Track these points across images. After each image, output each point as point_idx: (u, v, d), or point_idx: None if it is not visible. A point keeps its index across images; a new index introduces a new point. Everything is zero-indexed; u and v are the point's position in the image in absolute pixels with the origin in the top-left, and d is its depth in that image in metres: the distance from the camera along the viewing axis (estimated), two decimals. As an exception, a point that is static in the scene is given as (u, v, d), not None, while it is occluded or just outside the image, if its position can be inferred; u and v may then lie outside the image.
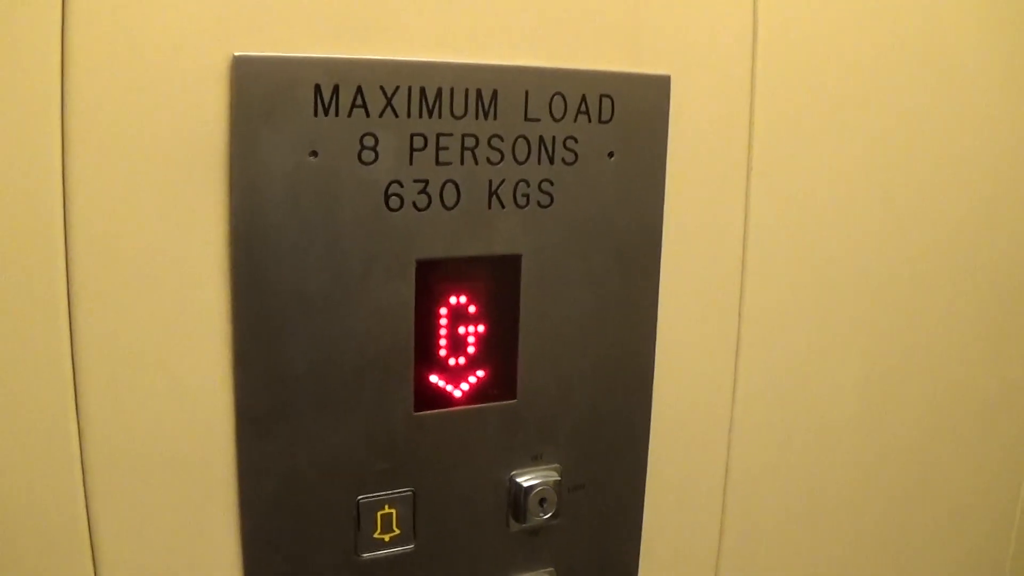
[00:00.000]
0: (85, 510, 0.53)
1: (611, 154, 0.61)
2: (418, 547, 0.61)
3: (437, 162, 0.57)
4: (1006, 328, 0.86)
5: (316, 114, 0.54)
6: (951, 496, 0.88)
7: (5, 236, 0.49)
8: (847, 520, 0.81)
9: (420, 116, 0.56)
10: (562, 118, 0.60)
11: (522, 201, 0.59)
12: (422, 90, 0.56)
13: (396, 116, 0.56)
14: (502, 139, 0.58)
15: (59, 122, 0.49)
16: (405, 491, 0.59)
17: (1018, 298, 0.85)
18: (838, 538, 0.81)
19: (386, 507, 0.59)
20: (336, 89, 0.54)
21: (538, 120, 0.59)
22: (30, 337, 0.50)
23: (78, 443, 0.52)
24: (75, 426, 0.52)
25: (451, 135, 0.57)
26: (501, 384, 0.61)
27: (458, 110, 0.57)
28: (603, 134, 0.61)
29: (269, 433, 0.56)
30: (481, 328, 0.60)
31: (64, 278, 0.50)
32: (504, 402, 0.61)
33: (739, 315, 0.69)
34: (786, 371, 0.73)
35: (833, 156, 0.71)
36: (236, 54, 0.52)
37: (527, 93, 0.59)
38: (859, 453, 0.79)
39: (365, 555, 0.59)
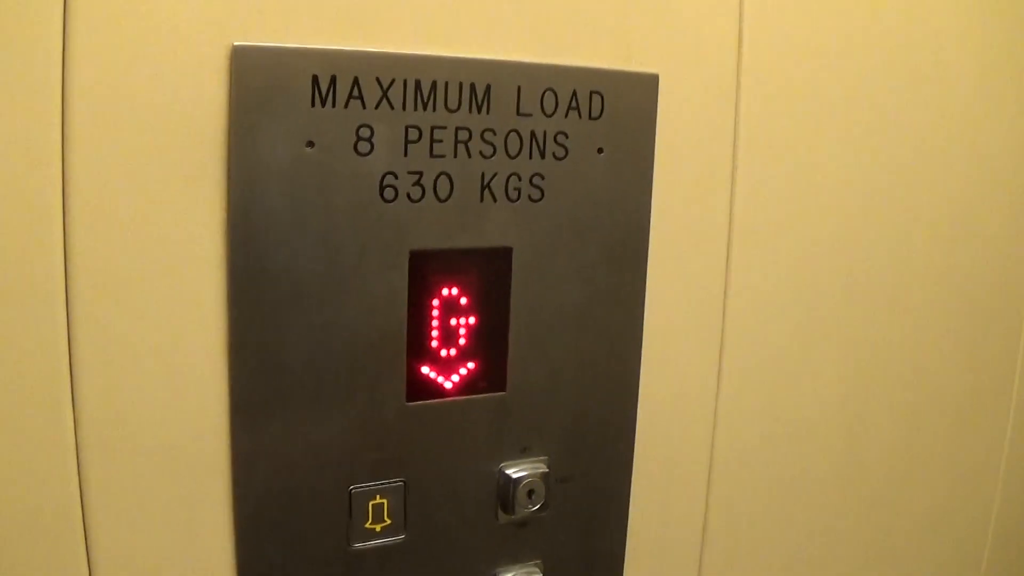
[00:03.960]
0: (79, 498, 0.51)
1: (600, 150, 0.62)
2: (409, 538, 0.60)
3: (431, 154, 0.56)
4: (984, 326, 0.87)
5: (313, 105, 0.53)
6: (929, 490, 0.87)
7: (4, 224, 0.48)
8: (828, 512, 0.82)
9: (415, 108, 0.55)
10: (553, 113, 0.59)
11: (513, 194, 0.59)
12: (417, 83, 0.55)
13: (391, 108, 0.55)
14: (495, 133, 0.58)
15: (59, 111, 0.48)
16: (396, 482, 0.59)
17: (996, 297, 0.87)
18: (819, 530, 0.82)
19: (378, 497, 0.59)
20: (333, 80, 0.53)
21: (530, 115, 0.59)
22: (27, 326, 0.49)
23: (73, 432, 0.50)
24: (70, 414, 0.50)
25: (445, 128, 0.56)
26: (491, 376, 0.61)
27: (452, 103, 0.56)
28: (593, 130, 0.61)
29: (263, 422, 0.55)
30: (472, 320, 0.60)
31: (62, 266, 0.49)
32: (494, 394, 0.61)
33: (724, 310, 0.69)
34: (769, 366, 0.74)
35: (816, 154, 0.72)
36: (236, 44, 0.51)
37: (519, 88, 0.58)
38: (840, 448, 0.81)
39: (357, 545, 0.59)
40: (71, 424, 0.51)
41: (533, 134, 0.59)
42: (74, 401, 0.51)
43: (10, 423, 0.50)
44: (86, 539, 0.53)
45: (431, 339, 0.59)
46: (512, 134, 0.59)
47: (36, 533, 0.52)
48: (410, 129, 0.56)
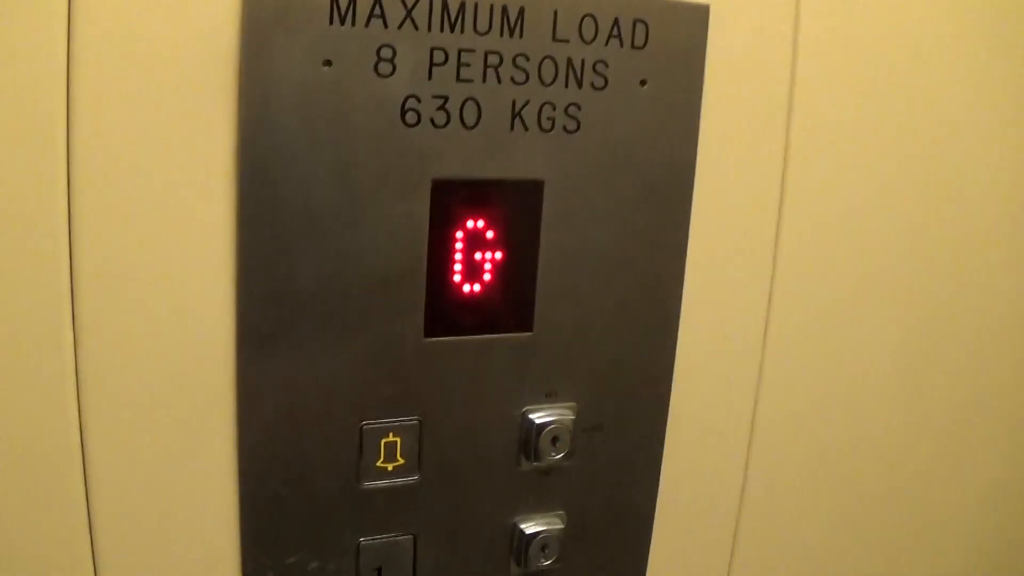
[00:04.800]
0: (78, 425, 0.50)
1: (643, 82, 0.58)
2: (423, 479, 0.58)
3: (458, 78, 0.53)
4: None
5: (332, 23, 0.50)
6: (984, 472, 0.83)
7: (7, 141, 0.46)
8: (874, 481, 0.78)
9: (441, 30, 0.52)
10: (592, 41, 0.56)
11: (547, 124, 0.56)
12: (444, 2, 0.52)
13: (416, 28, 0.52)
14: (528, 59, 0.54)
15: (66, 25, 0.46)
16: (412, 420, 0.57)
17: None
18: (863, 498, 0.78)
19: (391, 435, 0.57)
20: None
21: (567, 41, 0.55)
22: (28, 247, 0.48)
23: (73, 356, 0.49)
24: (71, 337, 0.49)
25: (473, 51, 0.53)
26: (517, 315, 0.58)
27: (482, 25, 0.53)
28: (636, 60, 0.57)
29: (271, 352, 0.53)
30: (499, 255, 0.57)
31: (65, 186, 0.47)
32: (519, 334, 0.58)
33: (774, 257, 0.65)
34: (820, 320, 0.70)
35: (878, 97, 0.67)
36: (250, -43, 0.48)
37: (556, 12, 0.54)
38: (892, 413, 0.76)
39: (367, 483, 0.57)
40: (71, 348, 0.50)
41: (570, 61, 0.56)
42: (75, 326, 0.50)
43: (7, 349, 0.49)
44: (84, 469, 0.51)
45: (453, 273, 0.56)
46: (547, 60, 0.56)
47: (33, 463, 0.51)
48: (435, 51, 0.53)
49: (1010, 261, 0.77)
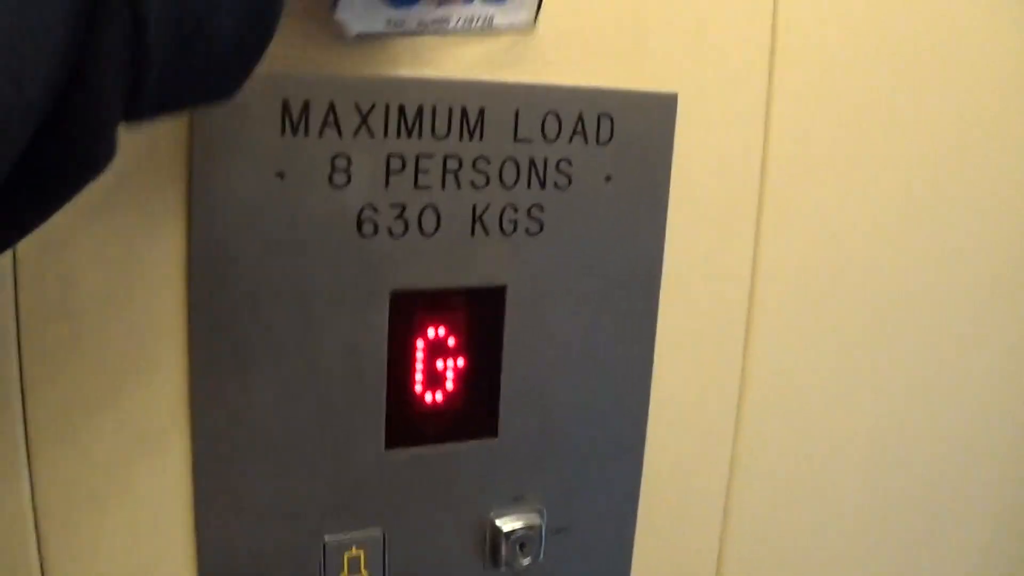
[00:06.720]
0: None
1: (608, 178, 0.57)
2: (388, 591, 0.57)
3: (416, 185, 0.52)
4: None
5: (284, 133, 0.48)
6: (975, 530, 0.82)
7: None
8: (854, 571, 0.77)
9: (398, 136, 0.51)
10: (556, 139, 0.54)
11: (509, 227, 0.54)
12: (400, 108, 0.50)
13: (371, 136, 0.50)
14: (488, 161, 0.53)
15: None
16: (375, 532, 0.56)
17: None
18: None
19: (353, 548, 0.55)
20: (306, 106, 0.48)
21: (529, 141, 0.53)
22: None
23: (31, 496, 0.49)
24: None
25: (432, 156, 0.52)
26: (481, 421, 0.57)
27: (440, 130, 0.51)
28: (600, 156, 0.55)
29: (230, 468, 0.52)
30: (461, 362, 0.55)
31: (12, 307, 0.47)
32: (484, 440, 0.57)
33: (744, 352, 0.64)
34: (793, 413, 0.68)
35: (856, 188, 0.66)
36: (197, 68, 0.48)
37: (517, 112, 0.53)
38: (869, 500, 0.75)
39: (330, 599, 0.56)
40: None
41: (532, 161, 0.54)
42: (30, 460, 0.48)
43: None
44: None
45: (414, 383, 0.55)
46: (508, 162, 0.54)
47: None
48: (392, 158, 0.51)
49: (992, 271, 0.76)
